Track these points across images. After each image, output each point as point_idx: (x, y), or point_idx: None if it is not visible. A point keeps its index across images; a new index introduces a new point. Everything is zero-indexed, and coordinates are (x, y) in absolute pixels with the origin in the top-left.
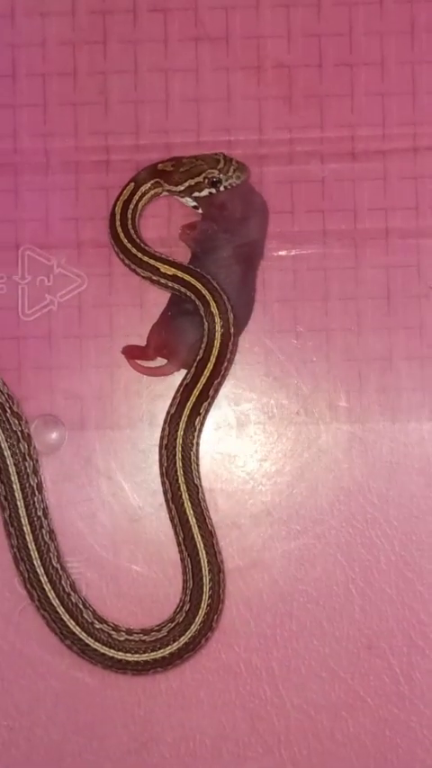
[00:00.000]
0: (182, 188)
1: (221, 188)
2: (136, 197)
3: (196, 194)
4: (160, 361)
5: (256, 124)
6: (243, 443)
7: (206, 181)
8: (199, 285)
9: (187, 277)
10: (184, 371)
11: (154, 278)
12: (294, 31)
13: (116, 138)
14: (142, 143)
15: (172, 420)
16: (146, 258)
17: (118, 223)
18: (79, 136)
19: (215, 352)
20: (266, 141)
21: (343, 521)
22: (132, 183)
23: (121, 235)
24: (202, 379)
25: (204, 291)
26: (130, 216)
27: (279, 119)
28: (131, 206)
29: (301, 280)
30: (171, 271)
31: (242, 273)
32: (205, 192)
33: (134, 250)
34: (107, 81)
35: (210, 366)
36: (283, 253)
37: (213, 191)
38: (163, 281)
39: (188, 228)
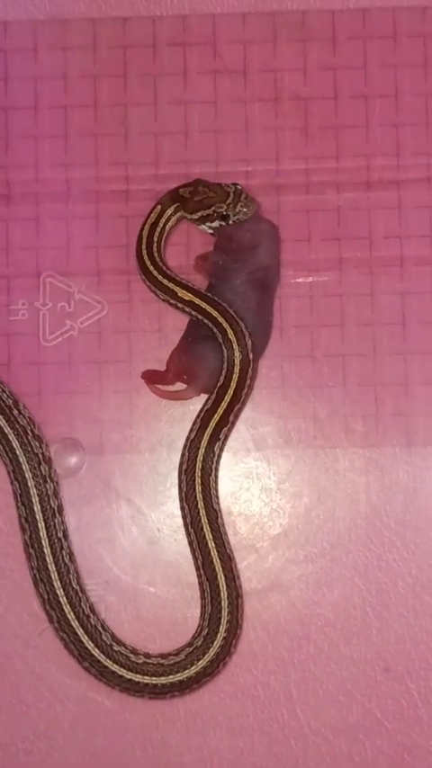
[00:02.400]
0: (196, 217)
1: (230, 222)
2: (162, 220)
3: (208, 224)
4: (179, 386)
5: (273, 155)
6: (261, 467)
7: (215, 214)
8: (215, 313)
9: (204, 304)
10: (203, 396)
11: (172, 301)
12: (310, 64)
13: (136, 168)
14: (162, 173)
15: (192, 445)
16: (165, 281)
17: (144, 244)
18: (100, 166)
19: (235, 378)
20: (283, 171)
21: (360, 544)
22: (159, 207)
23: (145, 256)
24: (223, 405)
25: (221, 319)
26: (156, 239)
27: (296, 149)
28: (158, 229)
29: (318, 306)
30: (188, 296)
31: (258, 299)
32: (216, 224)
33: (155, 272)
34: (127, 113)
35: (230, 392)
36: (300, 280)
37: (223, 223)
38: (180, 305)
39: (201, 260)
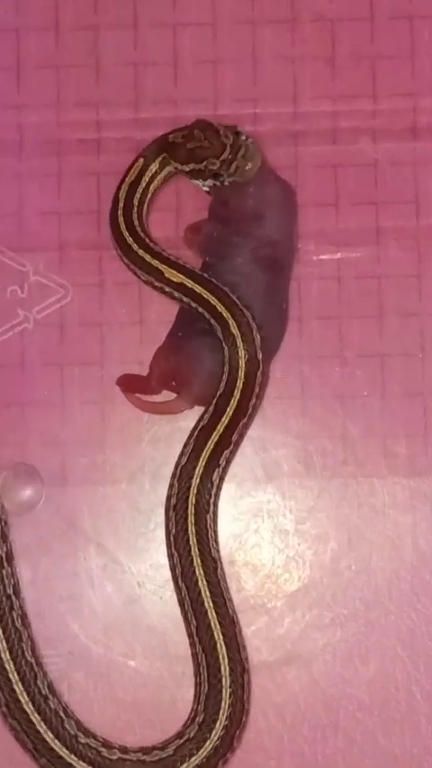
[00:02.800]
0: (187, 169)
1: (225, 183)
2: (145, 178)
3: (201, 182)
4: (167, 396)
5: (289, 93)
6: (274, 502)
7: (207, 171)
8: (213, 300)
9: (198, 288)
10: (197, 409)
11: (157, 284)
12: None
13: (110, 110)
14: (143, 117)
15: (183, 473)
16: (148, 257)
17: (121, 209)
18: (62, 108)
19: (239, 385)
20: (303, 115)
21: (404, 603)
22: (141, 160)
23: (123, 225)
24: (224, 420)
25: (221, 308)
26: (137, 202)
27: (319, 86)
28: (140, 189)
29: (348, 291)
30: (178, 278)
31: (269, 283)
32: (210, 183)
33: (135, 246)
34: (99, 38)
35: (233, 403)
36: (324, 257)
37: (217, 183)
38: (167, 289)
39: (191, 232)
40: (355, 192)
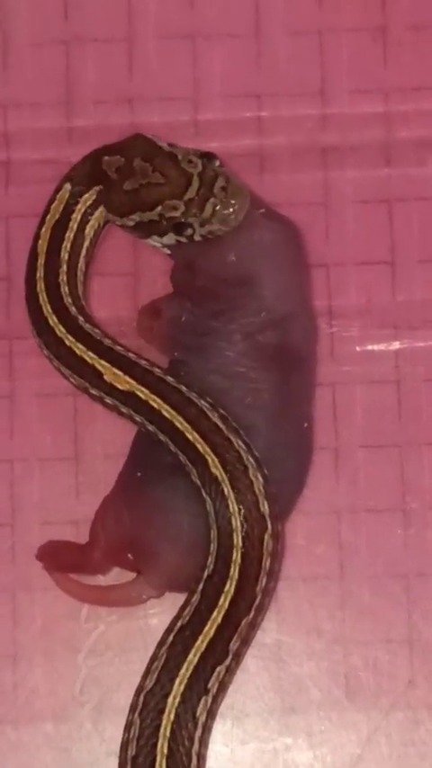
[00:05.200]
0: (131, 223)
1: (194, 237)
2: (76, 216)
3: (155, 239)
4: (120, 576)
5: (314, 84)
6: (296, 749)
7: (164, 221)
8: (180, 421)
9: (156, 401)
10: (171, 599)
11: (93, 392)
12: None
13: (24, 115)
14: (78, 125)
15: (149, 704)
16: (80, 350)
17: (41, 273)
18: None
19: (236, 558)
20: (336, 119)
21: None
22: (67, 186)
23: (43, 297)
24: (215, 617)
25: (192, 434)
26: (66, 258)
27: (362, 73)
28: (69, 235)
29: (413, 401)
30: (125, 383)
31: (277, 390)
32: (169, 240)
33: (62, 330)
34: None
35: (228, 589)
36: (374, 347)
37: (181, 239)
38: (110, 401)
39: (148, 317)
40: (421, 242)
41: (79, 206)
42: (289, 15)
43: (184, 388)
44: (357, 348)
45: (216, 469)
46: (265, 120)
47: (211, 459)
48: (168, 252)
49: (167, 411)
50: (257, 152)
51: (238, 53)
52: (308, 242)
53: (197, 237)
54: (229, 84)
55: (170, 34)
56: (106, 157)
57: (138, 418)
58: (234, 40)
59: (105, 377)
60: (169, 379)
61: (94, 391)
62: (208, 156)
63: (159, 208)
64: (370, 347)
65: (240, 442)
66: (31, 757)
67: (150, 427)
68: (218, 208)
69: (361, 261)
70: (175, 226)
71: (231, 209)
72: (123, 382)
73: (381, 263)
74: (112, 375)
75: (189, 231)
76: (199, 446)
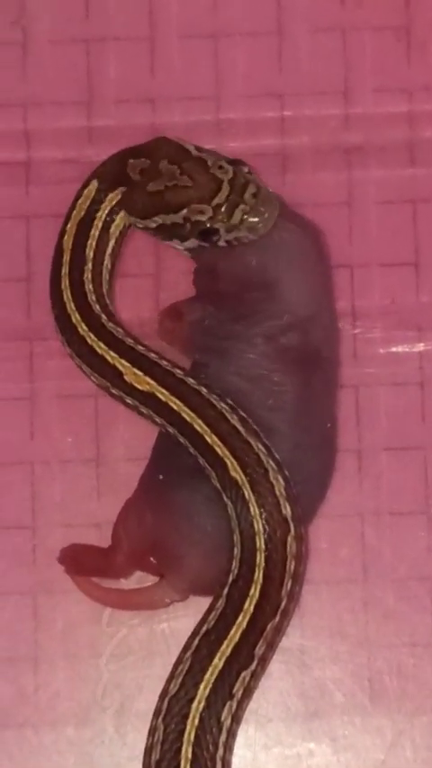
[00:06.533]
0: (152, 225)
1: (220, 243)
2: (101, 214)
3: (177, 242)
4: (143, 579)
5: (337, 83)
6: (320, 754)
7: (189, 224)
8: (200, 423)
9: (176, 403)
10: (195, 603)
11: (113, 391)
12: None
13: (45, 114)
14: (98, 125)
15: (173, 709)
16: (102, 349)
17: (66, 270)
18: None
19: (259, 562)
20: (360, 119)
21: None
22: (94, 184)
23: (67, 295)
24: (240, 622)
25: (212, 438)
26: (91, 255)
27: (387, 72)
28: (94, 233)
29: None
30: (145, 384)
31: (299, 391)
32: (192, 244)
33: (84, 328)
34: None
35: (253, 593)
36: (398, 348)
37: (205, 244)
38: (130, 401)
39: (169, 319)
40: None
41: (105, 204)
42: (312, 14)
43: (204, 390)
44: (381, 350)
45: (236, 473)
46: (287, 120)
47: (231, 462)
48: (189, 255)
49: (187, 413)
50: (280, 152)
51: (261, 52)
52: (331, 243)
53: (221, 243)
54: (251, 83)
55: (192, 33)
56: (131, 160)
57: (158, 419)
58: (256, 39)
59: (126, 377)
60: (190, 380)
61: (114, 391)
62: (237, 163)
63: (185, 211)
64: (394, 349)
65: (260, 445)
66: (52, 761)
67: (170, 429)
68: (247, 215)
69: (385, 262)
70: (201, 231)
71: (261, 217)
72: (144, 383)
73: (405, 263)
74: (133, 375)
75: (215, 237)
76: (218, 449)
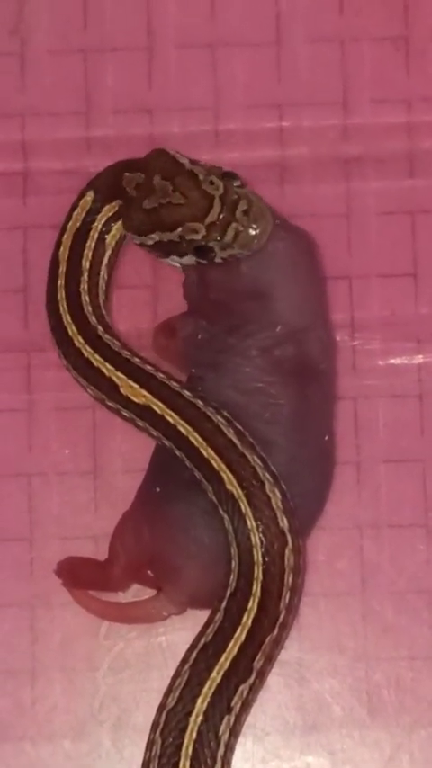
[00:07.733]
0: (150, 242)
1: (216, 259)
2: (97, 225)
3: (175, 259)
4: (140, 593)
5: (335, 94)
6: None
7: (184, 242)
8: (195, 437)
9: (172, 416)
10: (193, 616)
11: (110, 404)
12: None
13: (43, 124)
14: (97, 135)
15: (170, 723)
16: (98, 360)
17: (62, 282)
18: None
19: (257, 575)
20: (358, 129)
21: None
22: (90, 195)
23: (64, 307)
24: (238, 635)
25: (207, 451)
26: (87, 267)
27: (385, 82)
28: (90, 244)
29: None
30: (141, 397)
31: (296, 404)
32: (189, 260)
33: (80, 340)
34: (25, 10)
35: (252, 606)
36: (396, 360)
37: (202, 261)
38: (126, 413)
39: (163, 335)
40: None
41: (101, 215)
42: (310, 24)
43: (200, 403)
44: (380, 362)
45: (232, 486)
46: (286, 131)
47: (227, 475)
48: (181, 269)
49: (183, 426)
50: (279, 163)
51: (259, 63)
52: (330, 254)
53: (218, 260)
54: (249, 93)
55: (190, 44)
56: (127, 174)
57: (154, 432)
58: (255, 50)
59: (122, 389)
60: (186, 393)
61: (111, 404)
62: (229, 176)
63: (180, 229)
64: (392, 361)
65: (256, 458)
66: None
67: (167, 442)
68: (240, 232)
69: (384, 273)
70: (197, 249)
71: (253, 234)
72: (139, 395)
73: (404, 275)
74: (129, 388)
75: (211, 254)
76: (214, 462)
